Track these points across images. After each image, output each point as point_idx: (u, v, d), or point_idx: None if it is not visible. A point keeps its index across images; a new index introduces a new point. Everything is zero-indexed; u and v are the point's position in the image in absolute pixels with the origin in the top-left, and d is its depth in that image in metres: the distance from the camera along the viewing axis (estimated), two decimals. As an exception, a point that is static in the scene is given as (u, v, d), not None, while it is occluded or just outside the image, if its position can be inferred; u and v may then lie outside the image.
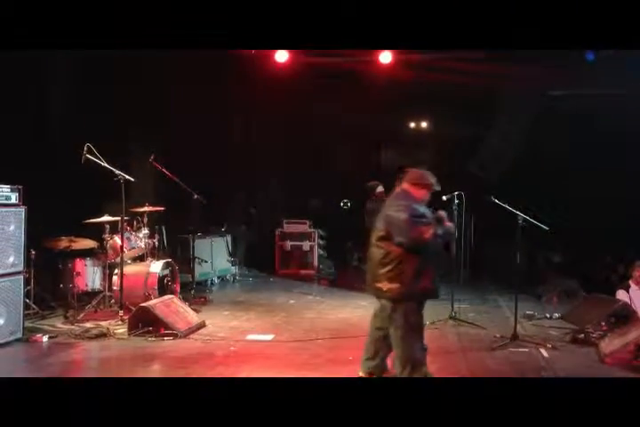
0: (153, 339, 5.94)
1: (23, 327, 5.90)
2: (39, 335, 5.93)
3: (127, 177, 6.66)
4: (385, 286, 4.14)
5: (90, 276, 7.32)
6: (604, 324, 6.19)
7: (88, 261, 7.32)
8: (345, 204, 11.60)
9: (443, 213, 4.41)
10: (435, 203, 4.73)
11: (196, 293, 8.15)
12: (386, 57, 8.74)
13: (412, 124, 12.66)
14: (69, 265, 7.18)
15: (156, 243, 7.90)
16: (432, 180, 4.39)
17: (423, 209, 4.23)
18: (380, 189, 9.11)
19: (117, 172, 6.60)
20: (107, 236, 7.16)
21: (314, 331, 6.53)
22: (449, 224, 4.38)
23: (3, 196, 5.74)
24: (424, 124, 12.63)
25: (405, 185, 4.39)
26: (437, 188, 4.42)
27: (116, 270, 7.08)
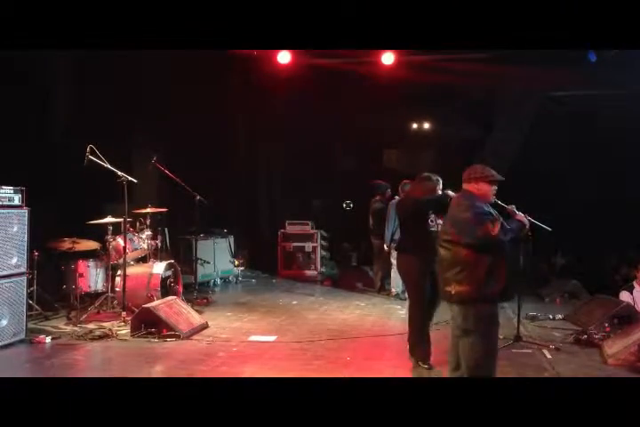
0: (155, 340, 5.95)
1: (26, 328, 5.90)
2: (42, 336, 5.93)
3: (130, 178, 6.67)
4: (454, 288, 3.88)
5: (92, 277, 7.32)
6: (607, 325, 6.18)
7: (91, 263, 7.32)
8: (347, 205, 11.60)
9: (512, 207, 4.22)
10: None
11: (198, 294, 8.16)
12: (388, 58, 8.73)
13: (415, 126, 12.67)
14: (72, 266, 7.18)
15: (159, 244, 7.90)
16: (488, 171, 4.09)
17: (487, 207, 3.98)
18: (389, 191, 9.14)
19: (120, 173, 6.61)
20: (109, 237, 7.17)
21: (316, 332, 6.52)
22: (520, 217, 4.13)
23: (6, 197, 5.75)
24: (426, 126, 12.64)
25: (464, 185, 4.14)
26: (499, 177, 4.09)
27: (118, 272, 7.09)
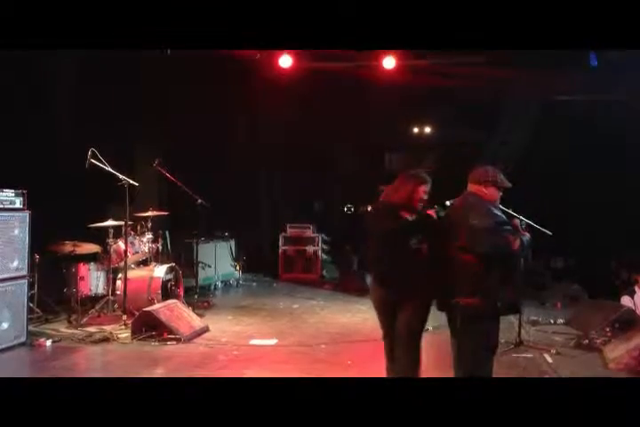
0: (156, 343, 5.94)
1: (27, 331, 5.90)
2: (43, 339, 5.93)
3: (131, 182, 6.68)
4: (463, 300, 3.66)
5: (93, 280, 7.32)
6: (608, 329, 6.17)
7: (92, 266, 7.33)
8: (349, 208, 11.60)
9: (517, 222, 3.95)
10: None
11: (199, 297, 8.15)
12: (389, 62, 8.74)
13: (416, 129, 12.68)
14: (73, 269, 7.19)
15: (160, 247, 7.91)
16: (499, 176, 3.88)
17: (501, 214, 3.79)
18: None
19: (121, 176, 6.62)
20: (110, 240, 7.17)
21: (317, 336, 6.52)
22: (526, 234, 3.87)
23: (7, 200, 5.76)
24: (427, 129, 12.65)
25: (472, 187, 3.91)
26: (507, 184, 3.89)
27: (119, 275, 7.09)
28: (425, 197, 4.08)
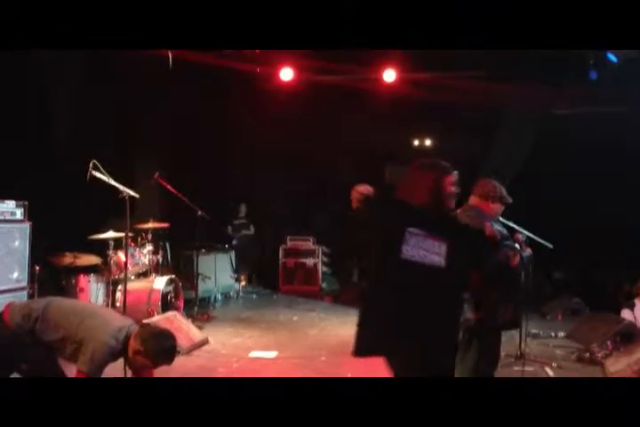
0: (155, 356, 5.91)
1: (26, 343, 5.87)
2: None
3: (132, 193, 6.68)
4: (462, 316, 3.50)
5: (93, 292, 7.30)
6: (609, 343, 6.15)
7: (92, 278, 7.31)
8: (348, 221, 11.58)
9: (520, 236, 3.90)
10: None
11: (199, 309, 8.13)
12: (389, 75, 8.79)
13: (416, 142, 12.74)
14: (73, 281, 7.17)
15: (160, 259, 7.90)
16: (504, 191, 3.89)
17: (502, 228, 3.77)
18: None
19: (122, 188, 6.62)
20: (111, 252, 7.16)
21: (317, 348, 6.50)
22: (527, 249, 3.88)
23: (8, 211, 5.77)
24: (428, 142, 12.71)
25: (474, 200, 3.89)
26: (510, 200, 3.91)
27: (119, 287, 7.07)
28: (456, 190, 3.14)
